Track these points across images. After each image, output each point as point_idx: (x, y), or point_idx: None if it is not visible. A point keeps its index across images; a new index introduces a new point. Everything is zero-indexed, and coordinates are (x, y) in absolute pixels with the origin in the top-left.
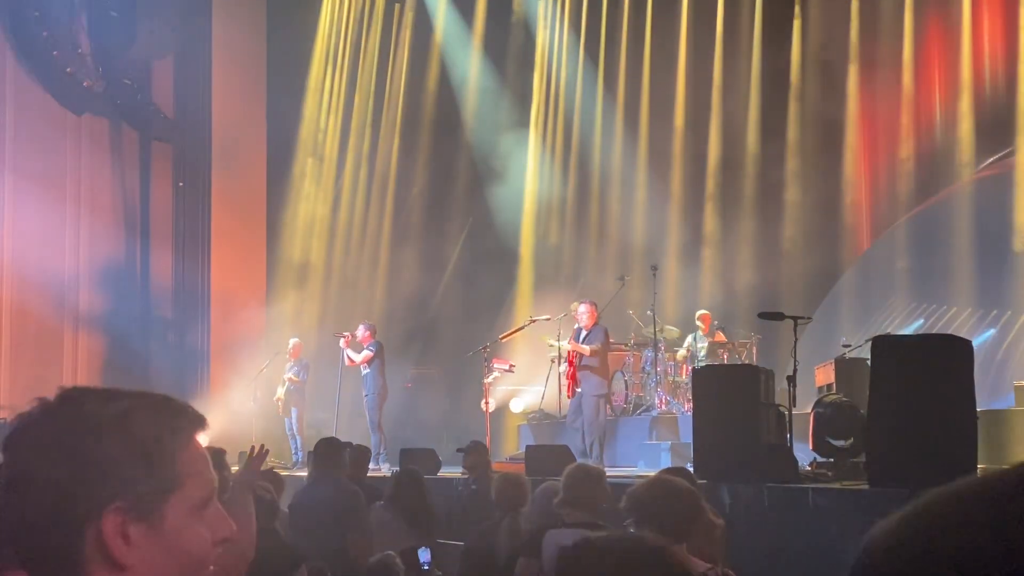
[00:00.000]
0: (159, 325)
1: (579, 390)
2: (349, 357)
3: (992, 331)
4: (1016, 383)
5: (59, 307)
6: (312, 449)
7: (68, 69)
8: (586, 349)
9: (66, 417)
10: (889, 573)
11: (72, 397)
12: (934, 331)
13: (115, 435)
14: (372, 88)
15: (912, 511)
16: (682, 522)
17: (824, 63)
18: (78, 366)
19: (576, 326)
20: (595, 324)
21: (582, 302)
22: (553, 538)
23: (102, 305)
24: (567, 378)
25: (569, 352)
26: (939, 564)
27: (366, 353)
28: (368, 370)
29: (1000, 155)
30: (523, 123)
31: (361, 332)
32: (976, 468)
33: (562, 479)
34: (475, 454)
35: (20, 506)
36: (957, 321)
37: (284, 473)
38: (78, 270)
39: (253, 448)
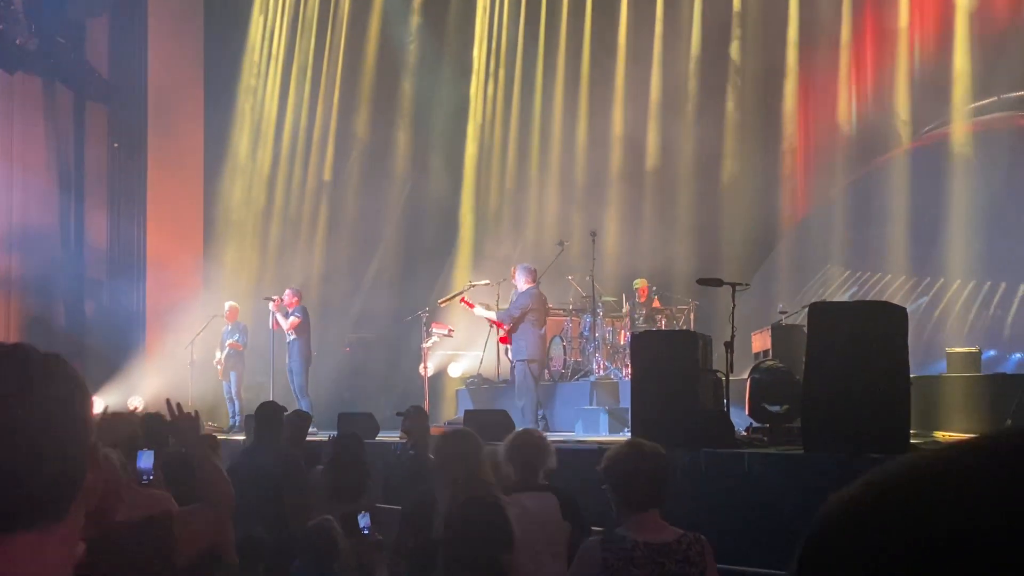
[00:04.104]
0: (94, 287)
1: (509, 356)
2: (275, 320)
3: (925, 299)
4: (948, 350)
5: None
6: (252, 413)
7: (0, 26)
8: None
9: None
10: (846, 544)
11: None
12: (869, 298)
13: None
14: (312, 47)
15: (871, 482)
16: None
17: (763, 32)
18: (10, 327)
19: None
20: (525, 289)
21: (514, 267)
22: None
23: (35, 267)
24: (500, 341)
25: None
26: (900, 536)
27: (293, 319)
28: (294, 336)
29: (934, 125)
30: (464, 87)
31: (288, 297)
32: (909, 433)
33: (504, 444)
34: (414, 418)
35: None
36: (891, 288)
37: (221, 437)
38: (10, 230)
39: (177, 407)
